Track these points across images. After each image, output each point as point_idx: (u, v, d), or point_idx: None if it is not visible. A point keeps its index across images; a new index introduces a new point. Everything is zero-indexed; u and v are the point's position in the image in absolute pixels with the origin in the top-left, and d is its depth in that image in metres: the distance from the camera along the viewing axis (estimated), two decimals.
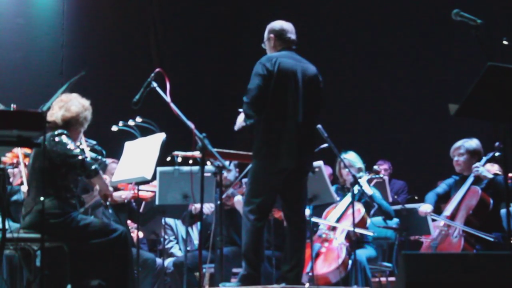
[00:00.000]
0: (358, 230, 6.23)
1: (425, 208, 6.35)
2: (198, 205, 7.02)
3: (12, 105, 5.74)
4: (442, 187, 6.49)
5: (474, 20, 4.14)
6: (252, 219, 5.13)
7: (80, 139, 5.33)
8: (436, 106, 9.07)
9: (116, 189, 6.56)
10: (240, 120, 5.31)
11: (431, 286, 3.54)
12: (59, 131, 5.09)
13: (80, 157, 5.04)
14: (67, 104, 5.18)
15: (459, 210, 6.07)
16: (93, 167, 5.07)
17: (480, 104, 3.97)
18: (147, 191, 6.42)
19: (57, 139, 5.04)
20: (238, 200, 6.57)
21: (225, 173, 6.86)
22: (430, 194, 6.48)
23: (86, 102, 5.27)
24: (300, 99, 5.20)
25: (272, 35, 5.38)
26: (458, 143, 6.34)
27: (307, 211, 5.81)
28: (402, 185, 9.02)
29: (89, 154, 5.35)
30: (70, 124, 5.17)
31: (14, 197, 5.68)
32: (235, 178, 6.94)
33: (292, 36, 5.39)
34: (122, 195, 6.47)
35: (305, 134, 5.25)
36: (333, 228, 6.45)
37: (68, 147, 5.03)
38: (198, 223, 7.12)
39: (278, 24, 5.41)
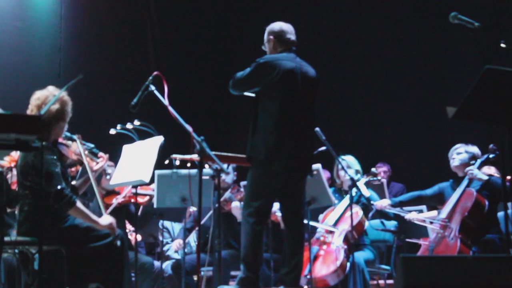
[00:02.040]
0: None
1: (381, 202, 6.52)
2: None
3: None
4: (432, 188, 6.51)
5: (472, 23, 4.15)
6: (251, 222, 5.13)
7: (64, 132, 5.22)
8: (436, 109, 9.08)
9: (113, 192, 6.57)
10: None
11: None
12: (45, 144, 4.94)
13: (58, 187, 4.85)
14: (45, 104, 5.02)
15: (455, 212, 6.08)
16: (65, 200, 4.86)
17: (478, 107, 3.98)
18: (144, 194, 6.41)
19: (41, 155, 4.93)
20: (236, 206, 6.55)
21: (223, 176, 6.85)
22: (411, 193, 6.57)
23: (63, 95, 5.09)
24: (298, 102, 5.21)
25: (271, 37, 5.38)
26: (458, 145, 6.38)
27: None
28: (401, 188, 9.02)
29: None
30: (51, 124, 5.07)
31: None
32: (233, 181, 6.93)
33: (292, 37, 5.39)
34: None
35: (303, 137, 5.25)
36: (331, 231, 6.45)
37: (49, 171, 4.87)
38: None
39: (277, 25, 5.41)
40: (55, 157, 4.99)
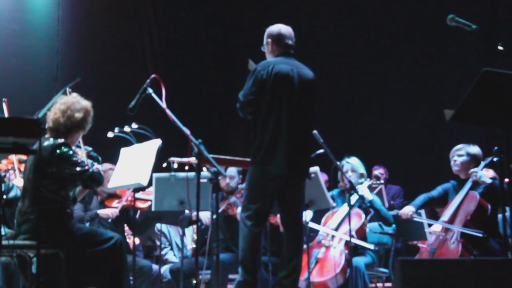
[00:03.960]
0: (356, 241, 6.22)
1: (406, 210, 6.34)
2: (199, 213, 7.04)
3: (3, 99, 5.74)
4: (437, 190, 6.46)
5: (469, 25, 4.15)
6: (249, 225, 5.12)
7: (78, 141, 5.28)
8: (433, 111, 9.08)
9: (114, 195, 6.56)
10: None
11: None
12: (59, 141, 5.01)
13: (89, 171, 5.02)
14: (70, 111, 5.10)
15: (457, 215, 6.04)
16: (98, 176, 5.09)
17: (476, 110, 3.98)
18: (144, 199, 6.41)
19: (58, 151, 4.97)
20: None
21: (228, 180, 6.85)
22: (421, 196, 6.47)
23: (88, 104, 5.19)
24: (296, 105, 5.20)
25: (270, 40, 5.38)
26: (460, 146, 6.32)
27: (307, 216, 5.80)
28: (398, 190, 9.01)
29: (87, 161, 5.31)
30: (72, 131, 5.12)
31: (11, 194, 5.64)
32: (237, 184, 6.92)
33: (290, 41, 5.38)
34: (109, 212, 6.47)
35: (301, 139, 5.24)
36: (333, 235, 6.42)
37: (73, 159, 5.00)
38: (192, 228, 7.09)
39: (276, 28, 5.40)
40: (71, 151, 5.06)
